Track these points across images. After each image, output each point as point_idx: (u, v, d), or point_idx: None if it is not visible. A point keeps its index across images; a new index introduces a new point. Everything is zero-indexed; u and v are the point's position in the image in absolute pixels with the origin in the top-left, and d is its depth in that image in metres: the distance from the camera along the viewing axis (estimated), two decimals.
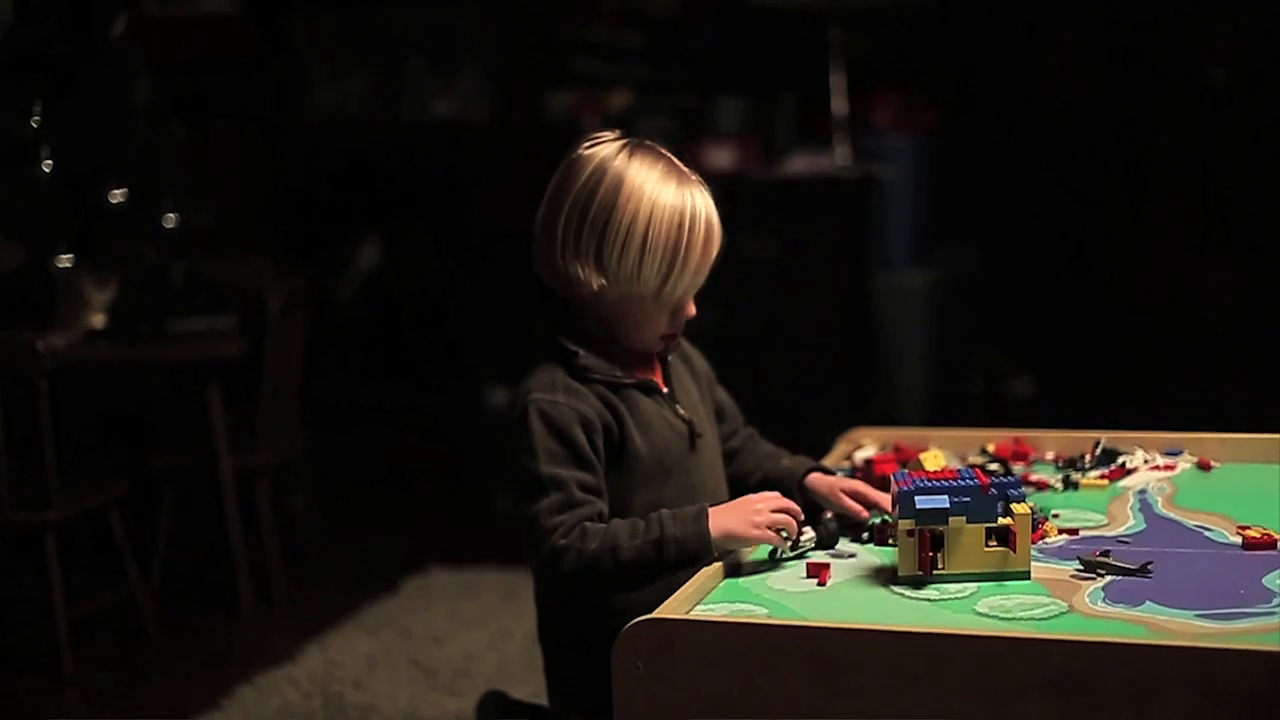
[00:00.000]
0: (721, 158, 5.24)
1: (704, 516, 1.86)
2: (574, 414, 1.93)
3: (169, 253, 4.40)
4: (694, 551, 1.85)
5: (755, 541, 1.87)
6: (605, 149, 1.99)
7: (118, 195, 4.42)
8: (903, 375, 5.52)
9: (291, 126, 6.13)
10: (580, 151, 1.99)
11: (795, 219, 5.18)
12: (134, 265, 4.32)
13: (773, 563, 1.90)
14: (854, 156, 5.36)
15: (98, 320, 4.26)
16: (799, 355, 5.19)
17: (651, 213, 1.94)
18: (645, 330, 2.02)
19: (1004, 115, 5.79)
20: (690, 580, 1.79)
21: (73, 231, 4.43)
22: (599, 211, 1.95)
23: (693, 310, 2.03)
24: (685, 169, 2.02)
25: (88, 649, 3.87)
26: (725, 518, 1.87)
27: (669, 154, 2.03)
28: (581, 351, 1.98)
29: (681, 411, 2.07)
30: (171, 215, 4.43)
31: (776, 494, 1.94)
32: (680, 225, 1.95)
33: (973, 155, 5.76)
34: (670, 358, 2.11)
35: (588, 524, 1.88)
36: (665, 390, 2.07)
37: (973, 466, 2.18)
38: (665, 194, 1.95)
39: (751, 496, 1.92)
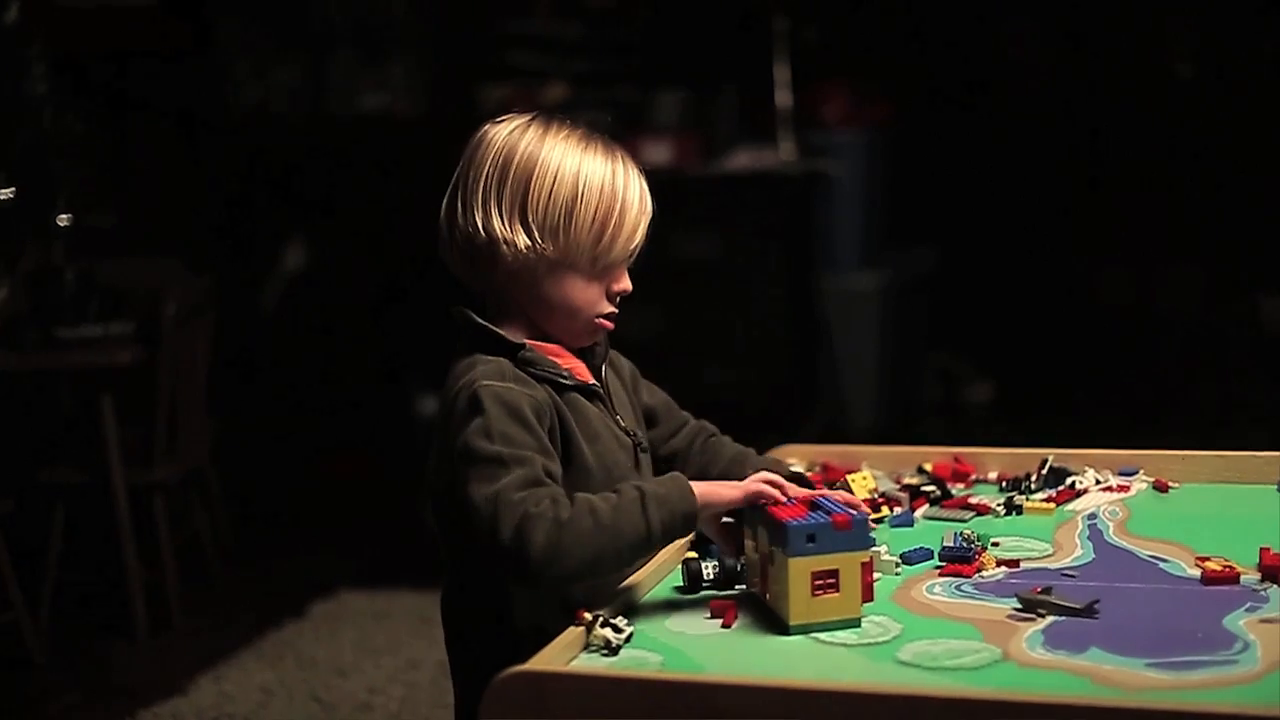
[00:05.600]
0: (660, 153, 5.21)
1: (680, 476, 1.72)
2: (529, 400, 1.76)
3: (64, 254, 4.21)
4: (680, 509, 1.67)
5: (742, 501, 1.71)
6: (516, 120, 1.88)
7: (6, 193, 4.23)
8: (852, 383, 5.49)
9: (213, 121, 6.01)
10: (488, 126, 1.88)
11: (737, 217, 5.15)
12: (23, 268, 4.15)
13: (692, 589, 1.76)
14: (799, 152, 5.36)
15: None
16: (740, 363, 5.14)
17: (579, 169, 1.83)
18: (579, 309, 1.86)
19: (960, 108, 5.76)
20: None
21: None
22: (521, 167, 1.83)
23: (628, 285, 1.89)
24: (607, 138, 1.90)
25: None
26: (703, 483, 1.72)
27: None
28: (527, 343, 1.83)
29: (623, 423, 1.91)
30: (65, 215, 4.22)
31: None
32: (613, 186, 1.83)
33: (927, 151, 5.74)
34: (604, 366, 1.95)
35: (559, 499, 1.68)
36: (606, 399, 1.92)
37: (906, 487, 2.08)
38: (592, 155, 1.85)
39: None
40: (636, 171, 1.88)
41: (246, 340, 5.74)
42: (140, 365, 3.88)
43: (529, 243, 1.80)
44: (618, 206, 1.82)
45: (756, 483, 1.70)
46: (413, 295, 5.73)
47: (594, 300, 1.86)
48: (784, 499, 1.69)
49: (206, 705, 3.49)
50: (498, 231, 1.81)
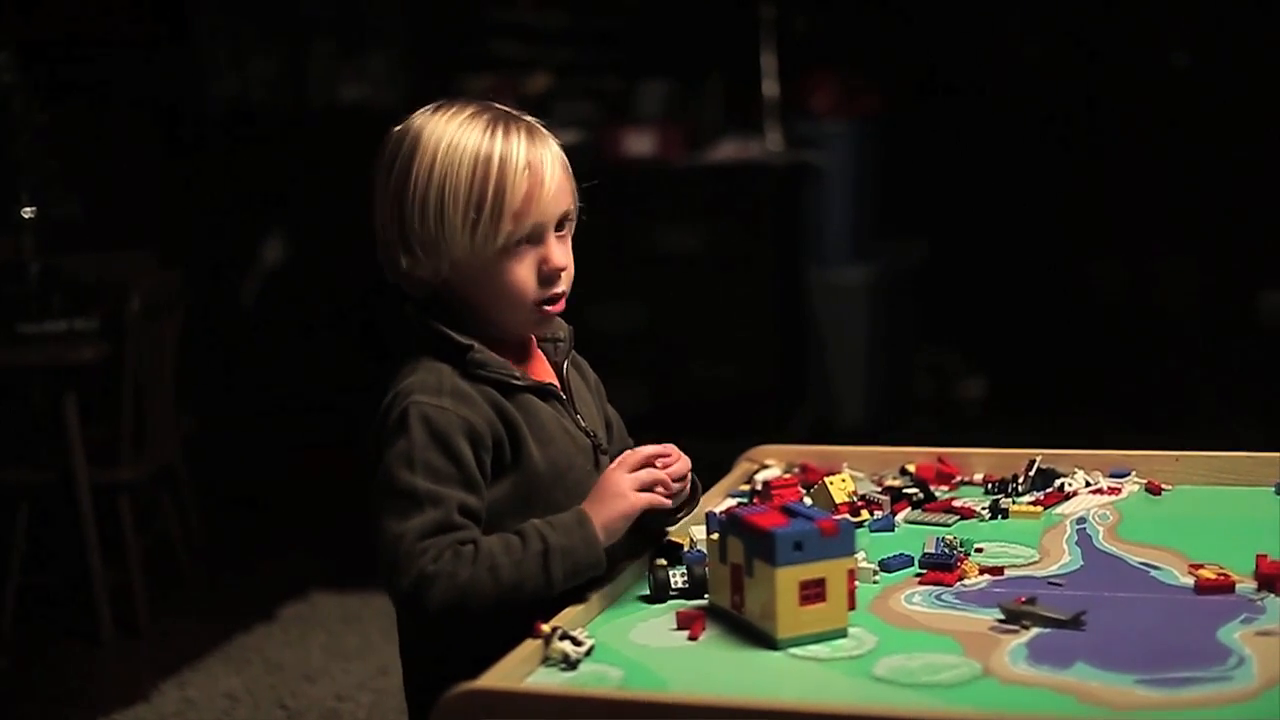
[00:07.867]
0: (645, 143, 5.20)
1: (587, 520, 1.69)
2: (462, 424, 1.69)
3: (29, 247, 4.14)
4: (585, 562, 1.68)
5: (640, 510, 1.73)
6: (416, 116, 1.79)
7: None
8: (841, 379, 5.48)
9: (189, 112, 5.98)
10: (393, 130, 1.80)
11: (723, 209, 5.11)
12: None
13: (659, 598, 1.71)
14: (786, 143, 5.35)
15: None
16: (726, 358, 5.12)
17: (446, 156, 1.72)
18: (511, 300, 1.76)
19: (951, 99, 5.74)
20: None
21: None
22: (398, 178, 1.74)
23: (558, 260, 1.76)
24: (510, 110, 1.79)
25: None
26: (601, 512, 1.71)
27: (497, 105, 1.80)
28: (476, 345, 1.75)
29: (583, 423, 1.85)
30: (29, 207, 4.14)
31: (628, 452, 1.77)
32: (487, 163, 1.71)
33: (917, 142, 5.71)
34: (565, 364, 1.88)
35: (460, 548, 1.64)
36: (564, 397, 1.85)
37: (887, 489, 2.04)
38: (465, 136, 1.73)
39: (607, 474, 1.75)
40: (527, 143, 1.74)
41: (222, 336, 5.71)
42: (105, 362, 3.83)
43: (412, 261, 1.74)
44: (490, 196, 1.71)
45: (634, 487, 1.71)
46: (390, 290, 5.68)
47: (527, 288, 1.76)
48: (664, 474, 1.72)
49: (169, 713, 3.43)
50: (400, 259, 1.75)
